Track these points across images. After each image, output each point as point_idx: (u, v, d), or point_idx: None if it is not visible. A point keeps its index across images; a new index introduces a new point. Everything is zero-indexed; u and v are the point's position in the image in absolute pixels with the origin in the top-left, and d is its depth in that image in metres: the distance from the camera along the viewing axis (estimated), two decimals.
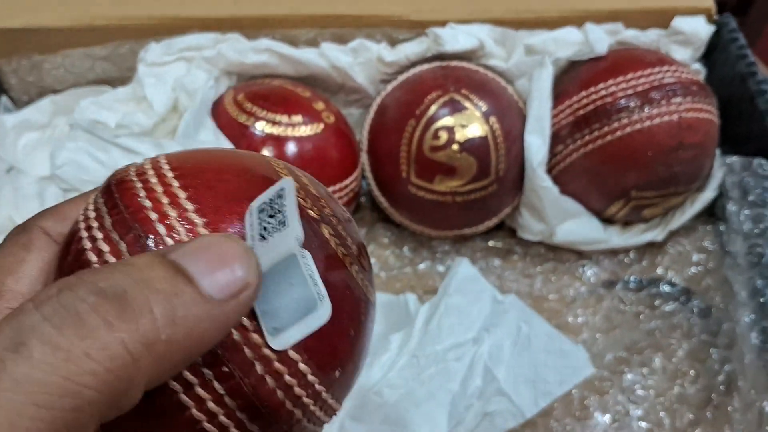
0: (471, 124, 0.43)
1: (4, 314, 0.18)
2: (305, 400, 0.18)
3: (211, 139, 0.41)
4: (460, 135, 0.42)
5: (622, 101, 0.43)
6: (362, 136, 0.47)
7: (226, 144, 0.41)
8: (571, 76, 0.46)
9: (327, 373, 0.18)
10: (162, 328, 0.14)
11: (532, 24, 0.48)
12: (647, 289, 0.45)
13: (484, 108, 0.43)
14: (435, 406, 0.35)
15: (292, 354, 0.17)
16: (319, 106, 0.44)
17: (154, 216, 0.17)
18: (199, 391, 0.17)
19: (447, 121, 0.43)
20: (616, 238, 0.47)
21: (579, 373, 0.37)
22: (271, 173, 0.19)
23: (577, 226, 0.46)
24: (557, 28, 0.48)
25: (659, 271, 0.46)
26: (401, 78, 0.46)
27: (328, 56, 0.46)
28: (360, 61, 0.47)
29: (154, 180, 0.18)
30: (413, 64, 0.47)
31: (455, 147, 0.42)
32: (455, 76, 0.45)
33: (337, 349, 0.19)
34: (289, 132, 0.42)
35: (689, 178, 0.44)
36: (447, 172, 0.43)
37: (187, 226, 0.17)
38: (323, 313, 0.17)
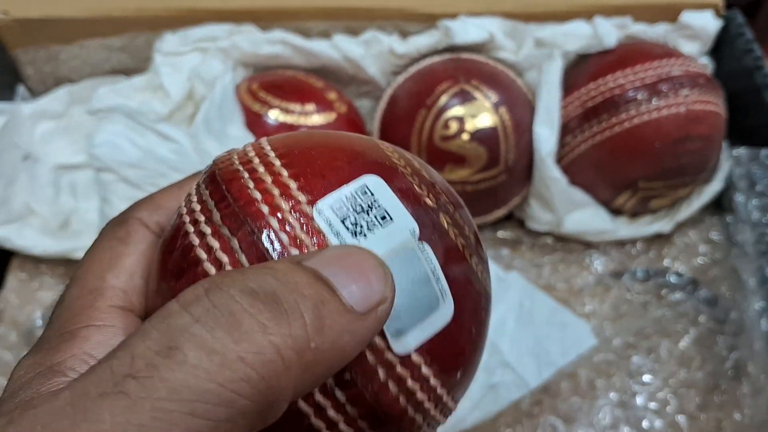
0: (481, 114, 0.43)
1: (110, 313, 0.18)
2: (427, 405, 0.17)
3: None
4: (470, 125, 0.43)
5: (631, 93, 0.44)
6: (374, 127, 0.47)
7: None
8: (580, 69, 0.47)
9: (450, 375, 0.17)
10: (311, 335, 0.14)
11: (541, 17, 0.49)
12: (654, 279, 0.46)
13: (494, 99, 0.44)
14: None
15: (414, 357, 0.16)
16: (332, 96, 0.45)
17: (265, 209, 0.16)
18: (319, 398, 0.16)
19: (457, 111, 0.43)
20: (624, 229, 0.47)
21: (581, 344, 0.37)
22: (383, 158, 0.18)
23: (586, 216, 0.47)
24: (566, 22, 0.48)
25: (666, 261, 0.47)
26: (412, 69, 0.47)
27: (340, 48, 0.47)
28: (372, 53, 0.47)
29: (261, 169, 0.17)
30: (424, 56, 0.48)
31: (465, 137, 0.43)
32: (466, 68, 0.45)
33: (459, 349, 0.17)
34: (302, 120, 0.43)
35: (696, 169, 0.45)
36: (457, 161, 0.43)
37: (302, 220, 0.16)
38: (446, 311, 0.16)
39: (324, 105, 0.44)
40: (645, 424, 0.38)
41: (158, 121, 0.42)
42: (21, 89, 0.50)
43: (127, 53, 0.49)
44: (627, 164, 0.44)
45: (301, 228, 0.16)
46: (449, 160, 0.43)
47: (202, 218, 0.17)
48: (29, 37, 0.48)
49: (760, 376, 0.37)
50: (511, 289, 0.39)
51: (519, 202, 0.48)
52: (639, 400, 0.39)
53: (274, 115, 0.42)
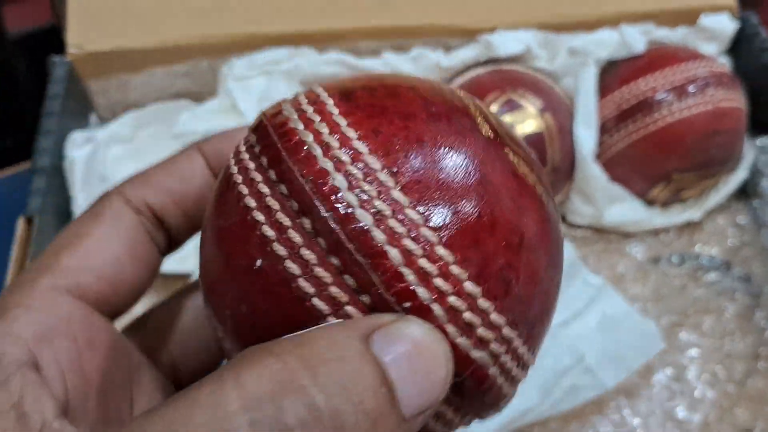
0: (527, 121, 0.48)
1: (47, 295, 0.17)
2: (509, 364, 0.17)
3: None
4: (519, 131, 0.47)
5: (662, 94, 0.48)
6: None
7: None
8: (612, 74, 0.51)
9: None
10: None
11: (571, 27, 0.53)
12: (689, 262, 0.50)
13: (539, 105, 0.48)
14: (528, 381, 0.39)
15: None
16: None
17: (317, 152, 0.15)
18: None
19: (506, 118, 0.47)
20: (658, 218, 0.52)
21: (654, 348, 0.41)
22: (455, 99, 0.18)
23: (623, 208, 0.51)
24: (594, 30, 0.52)
25: (698, 247, 0.51)
26: (459, 81, 0.51)
27: (392, 65, 0.51)
28: (420, 68, 0.51)
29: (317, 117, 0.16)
30: (467, 68, 0.52)
31: None
32: (510, 78, 0.49)
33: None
34: None
35: (724, 159, 0.49)
36: None
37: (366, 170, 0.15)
38: None
39: None
40: (697, 393, 0.43)
41: None
42: (93, 117, 0.53)
43: (191, 78, 0.53)
44: (662, 159, 0.49)
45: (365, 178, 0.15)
46: None
47: (251, 165, 0.16)
48: (101, 68, 0.51)
49: None
50: (596, 298, 0.42)
51: (562, 199, 0.52)
52: (690, 372, 0.43)
53: None
